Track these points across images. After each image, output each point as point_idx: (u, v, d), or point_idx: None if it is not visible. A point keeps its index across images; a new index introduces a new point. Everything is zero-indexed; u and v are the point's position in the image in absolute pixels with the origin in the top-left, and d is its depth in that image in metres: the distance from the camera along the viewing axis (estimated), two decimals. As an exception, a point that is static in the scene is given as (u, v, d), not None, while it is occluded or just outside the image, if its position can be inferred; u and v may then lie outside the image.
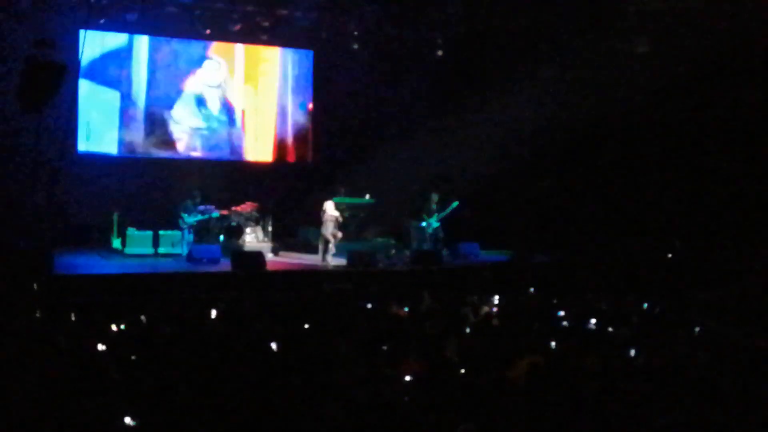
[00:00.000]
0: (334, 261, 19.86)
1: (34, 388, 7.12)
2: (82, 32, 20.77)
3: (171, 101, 23.87)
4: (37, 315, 11.27)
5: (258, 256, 18.85)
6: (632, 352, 9.26)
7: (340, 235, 20.10)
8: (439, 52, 24.68)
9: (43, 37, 15.86)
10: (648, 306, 13.10)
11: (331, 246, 19.88)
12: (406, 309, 12.59)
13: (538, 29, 22.46)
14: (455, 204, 21.29)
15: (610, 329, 11.01)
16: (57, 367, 7.90)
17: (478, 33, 23.38)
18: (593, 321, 11.54)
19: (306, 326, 10.76)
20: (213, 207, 20.94)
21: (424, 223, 21.53)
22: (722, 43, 19.90)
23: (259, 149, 25.16)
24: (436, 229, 21.46)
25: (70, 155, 21.57)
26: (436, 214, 21.41)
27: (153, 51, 23.56)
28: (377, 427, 6.47)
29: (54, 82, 15.92)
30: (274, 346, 9.16)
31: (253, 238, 22.03)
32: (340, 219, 20.10)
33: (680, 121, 21.27)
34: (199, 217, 20.36)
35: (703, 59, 20.15)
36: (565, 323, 11.60)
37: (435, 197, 21.52)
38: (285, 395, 7.08)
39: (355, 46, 24.47)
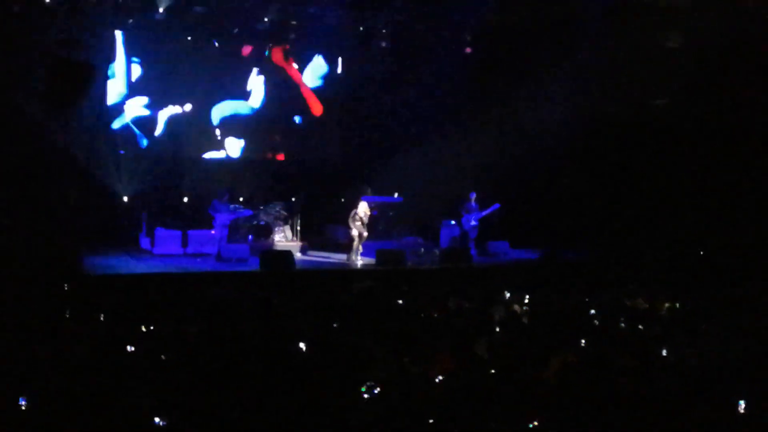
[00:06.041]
0: (362, 260, 19.85)
1: (64, 388, 7.12)
2: (117, 33, 20.95)
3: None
4: (67, 315, 11.27)
5: (287, 255, 18.86)
6: (664, 351, 9.16)
7: (366, 234, 20.06)
8: (468, 49, 24.57)
9: (71, 38, 15.91)
10: (680, 304, 12.98)
11: (356, 244, 19.87)
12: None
13: (567, 24, 22.27)
14: (496, 206, 21.23)
15: (641, 327, 10.91)
16: (87, 367, 7.90)
17: (506, 29, 23.23)
18: (625, 319, 11.45)
19: (335, 325, 10.72)
20: (242, 207, 21.04)
21: (464, 221, 21.50)
22: (755, 37, 19.67)
23: (285, 148, 25.18)
24: (473, 227, 21.41)
25: (99, 155, 21.65)
26: (475, 213, 21.36)
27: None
28: (407, 426, 6.42)
29: (83, 83, 15.97)
30: (303, 345, 9.12)
31: (282, 238, 22.07)
32: (367, 218, 20.07)
33: (713, 116, 21.01)
34: (229, 216, 20.37)
35: (736, 54, 19.93)
36: (596, 321, 11.50)
37: (474, 196, 21.46)
38: (314, 395, 7.04)
39: (383, 44, 24.40)
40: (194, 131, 23.89)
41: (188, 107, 23.71)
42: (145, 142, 23.25)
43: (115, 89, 22.66)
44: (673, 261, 19.50)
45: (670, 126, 21.61)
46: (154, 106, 23.30)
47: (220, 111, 24.34)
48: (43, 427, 6.27)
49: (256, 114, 24.81)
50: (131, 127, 23.03)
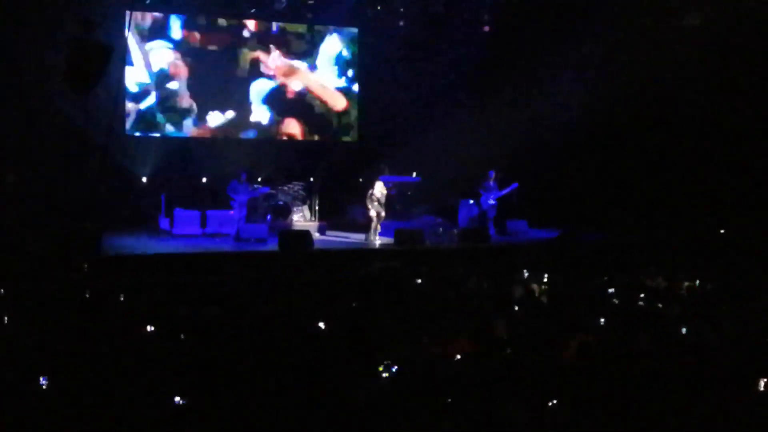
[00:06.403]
0: (381, 239, 19.84)
1: (84, 367, 7.16)
2: (128, 13, 20.93)
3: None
4: (87, 296, 11.33)
5: (305, 235, 18.86)
6: (684, 330, 9.13)
7: (383, 214, 20.03)
8: (486, 28, 24.48)
9: (89, 18, 15.88)
10: (700, 283, 12.93)
11: (374, 224, 19.85)
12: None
13: (586, 3, 22.17)
14: (515, 185, 21.14)
15: (660, 306, 10.88)
16: (107, 347, 7.94)
17: (524, 8, 23.14)
18: (644, 299, 11.41)
19: (354, 305, 10.73)
20: (260, 187, 21.07)
21: (483, 200, 21.43)
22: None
23: (305, 127, 25.15)
24: (492, 207, 21.33)
25: (118, 136, 21.73)
26: (494, 192, 21.28)
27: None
28: (424, 405, 6.43)
29: (101, 64, 15.94)
30: (321, 325, 9.14)
31: (300, 218, 22.08)
32: (384, 198, 20.02)
33: (734, 95, 20.87)
34: (248, 196, 20.39)
35: (756, 33, 19.78)
36: (615, 301, 11.47)
37: (493, 175, 21.37)
38: (333, 374, 7.06)
39: (401, 23, 24.35)
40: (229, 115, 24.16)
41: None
42: (169, 128, 23.40)
43: (135, 77, 22.85)
44: (693, 240, 19.42)
45: (691, 105, 21.48)
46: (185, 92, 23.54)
47: (257, 88, 24.49)
48: (63, 406, 6.31)
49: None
50: (155, 112, 23.24)
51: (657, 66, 21.16)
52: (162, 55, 23.30)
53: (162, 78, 23.31)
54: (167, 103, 23.41)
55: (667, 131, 21.87)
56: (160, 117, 23.30)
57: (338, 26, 25.04)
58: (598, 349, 7.87)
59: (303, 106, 25.02)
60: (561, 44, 22.40)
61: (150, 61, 23.06)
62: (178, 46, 23.43)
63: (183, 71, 23.49)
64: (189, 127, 23.73)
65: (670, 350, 8.11)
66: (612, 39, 21.92)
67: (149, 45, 23.06)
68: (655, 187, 21.95)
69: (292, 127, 24.96)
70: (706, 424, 6.30)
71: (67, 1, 18.97)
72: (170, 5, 22.67)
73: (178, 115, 23.53)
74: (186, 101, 23.57)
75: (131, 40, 22.37)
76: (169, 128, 23.45)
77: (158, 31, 23.11)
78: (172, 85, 23.45)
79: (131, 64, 22.56)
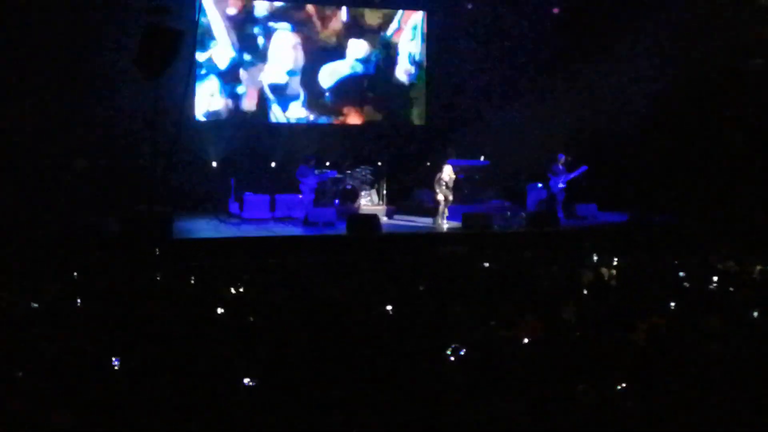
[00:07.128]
0: (448, 223, 19.81)
1: (155, 349, 7.26)
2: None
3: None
4: (158, 279, 11.48)
5: (373, 219, 18.92)
6: (755, 314, 9.00)
7: (451, 197, 19.99)
8: (555, 10, 24.27)
9: (160, 3, 16.02)
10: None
11: (442, 208, 19.81)
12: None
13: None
14: (584, 168, 20.96)
15: (731, 290, 10.73)
16: (177, 328, 8.04)
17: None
18: (715, 282, 11.27)
19: (421, 288, 10.74)
20: (328, 171, 21.18)
21: (552, 183, 21.28)
22: None
23: (373, 111, 25.15)
24: (561, 190, 21.18)
25: (188, 121, 21.96)
26: (563, 175, 21.12)
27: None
28: (493, 389, 6.42)
29: (172, 49, 16.06)
30: (389, 308, 9.15)
31: (368, 202, 22.12)
32: (452, 182, 19.96)
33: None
34: (316, 180, 20.51)
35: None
36: (686, 284, 11.34)
37: (562, 158, 21.20)
38: (400, 357, 7.08)
39: (469, 6, 24.24)
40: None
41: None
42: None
43: (222, 54, 23.14)
44: (765, 223, 19.09)
45: (764, 87, 21.08)
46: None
47: (328, 73, 24.57)
48: (135, 387, 6.41)
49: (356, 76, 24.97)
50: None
51: (729, 47, 20.78)
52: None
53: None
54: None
55: (739, 113, 21.48)
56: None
57: (407, 8, 24.97)
58: (669, 332, 7.79)
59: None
60: (630, 26, 22.10)
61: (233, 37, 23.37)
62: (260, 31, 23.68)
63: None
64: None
65: (741, 334, 8.00)
66: (683, 21, 21.55)
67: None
68: (726, 169, 21.58)
69: (361, 111, 25.02)
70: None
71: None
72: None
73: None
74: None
75: (218, 23, 22.65)
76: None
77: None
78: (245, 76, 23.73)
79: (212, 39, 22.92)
